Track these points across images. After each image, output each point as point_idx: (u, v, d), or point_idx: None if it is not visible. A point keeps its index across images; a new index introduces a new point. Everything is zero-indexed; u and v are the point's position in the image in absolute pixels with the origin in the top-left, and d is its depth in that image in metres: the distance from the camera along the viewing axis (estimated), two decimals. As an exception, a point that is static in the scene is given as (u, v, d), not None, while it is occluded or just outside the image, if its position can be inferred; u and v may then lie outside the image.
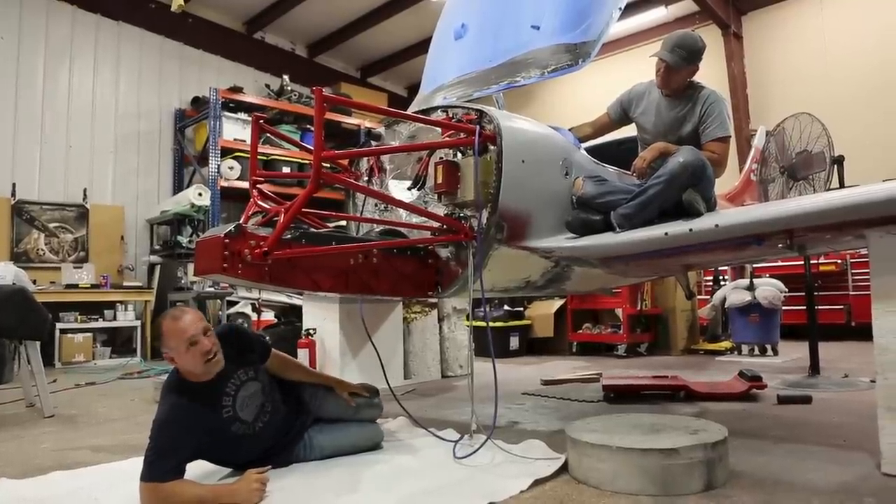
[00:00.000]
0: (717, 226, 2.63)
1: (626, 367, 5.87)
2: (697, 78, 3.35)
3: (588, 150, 3.57)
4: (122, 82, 8.76)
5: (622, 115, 3.56)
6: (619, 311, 6.95)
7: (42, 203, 7.84)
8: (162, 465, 2.10)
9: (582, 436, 2.35)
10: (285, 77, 9.70)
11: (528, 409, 3.82)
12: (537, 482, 2.29)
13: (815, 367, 4.59)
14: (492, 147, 2.89)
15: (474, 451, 2.61)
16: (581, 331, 7.22)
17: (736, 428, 2.82)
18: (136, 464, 2.23)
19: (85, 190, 8.18)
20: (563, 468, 2.42)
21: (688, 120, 3.27)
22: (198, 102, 8.95)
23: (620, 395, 4.09)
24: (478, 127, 2.88)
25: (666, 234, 2.75)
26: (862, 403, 3.52)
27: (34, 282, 6.60)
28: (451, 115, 3.14)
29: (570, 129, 3.53)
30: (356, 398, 2.86)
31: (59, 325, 6.90)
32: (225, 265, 2.49)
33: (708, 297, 7.30)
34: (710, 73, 6.71)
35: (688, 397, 3.98)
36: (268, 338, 3.00)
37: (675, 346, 6.98)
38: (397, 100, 11.80)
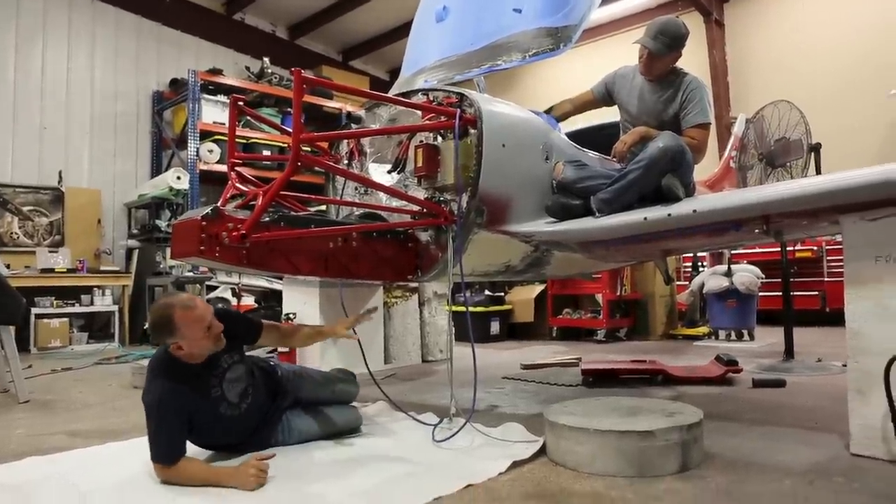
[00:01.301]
0: (695, 211, 2.65)
1: (605, 351, 5.92)
2: (679, 64, 3.36)
3: (569, 134, 3.58)
4: (97, 63, 8.55)
5: (605, 95, 3.56)
6: (598, 297, 7.00)
7: (15, 186, 7.66)
8: (169, 447, 2.20)
9: (560, 419, 2.37)
10: (266, 59, 9.54)
11: (508, 394, 3.85)
12: (515, 464, 2.31)
13: (789, 352, 4.66)
14: (472, 131, 2.88)
15: (453, 435, 2.62)
16: (561, 316, 7.27)
17: (711, 411, 2.86)
18: (114, 448, 2.22)
19: (60, 172, 8.01)
20: (542, 451, 2.44)
21: (669, 105, 3.28)
22: (176, 84, 8.80)
23: (599, 379, 4.13)
24: (458, 110, 2.87)
25: (645, 218, 2.77)
26: (834, 387, 3.58)
27: (8, 266, 6.48)
28: (431, 99, 3.12)
29: (550, 108, 3.54)
30: (335, 373, 2.94)
31: (34, 310, 6.80)
32: (202, 248, 2.47)
33: (686, 282, 7.37)
34: (692, 60, 6.71)
35: (665, 381, 4.04)
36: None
37: (653, 331, 7.05)
38: (379, 83, 11.70)
